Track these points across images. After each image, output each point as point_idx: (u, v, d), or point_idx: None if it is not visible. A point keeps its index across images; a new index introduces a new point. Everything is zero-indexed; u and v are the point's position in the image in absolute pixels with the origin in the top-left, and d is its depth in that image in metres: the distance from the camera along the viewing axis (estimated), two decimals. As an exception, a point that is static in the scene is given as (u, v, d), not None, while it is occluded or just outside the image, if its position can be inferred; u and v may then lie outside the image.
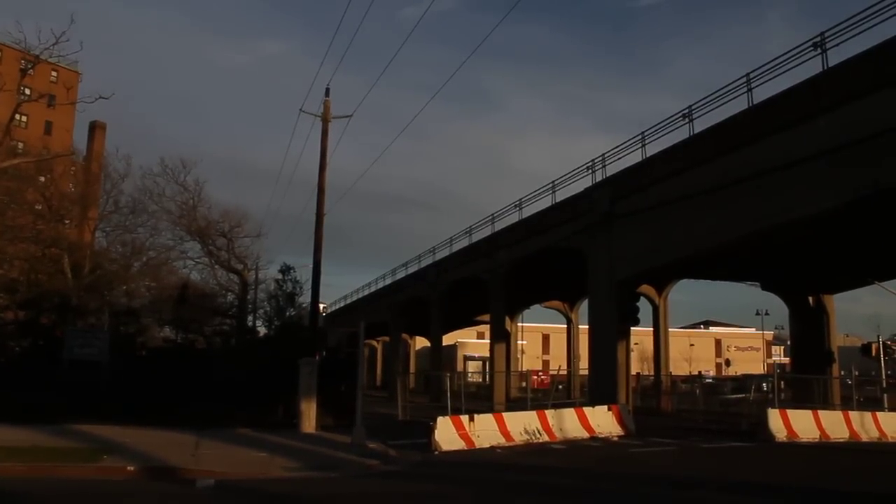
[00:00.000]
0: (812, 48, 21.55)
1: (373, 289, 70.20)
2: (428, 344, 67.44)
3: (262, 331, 46.50)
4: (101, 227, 43.56)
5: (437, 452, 18.82)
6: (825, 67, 21.25)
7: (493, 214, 42.23)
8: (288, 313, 39.82)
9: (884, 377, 29.96)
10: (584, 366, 38.16)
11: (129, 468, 14.35)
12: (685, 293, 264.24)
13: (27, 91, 32.47)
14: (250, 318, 50.80)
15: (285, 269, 38.39)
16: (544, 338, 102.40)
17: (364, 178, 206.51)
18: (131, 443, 17.38)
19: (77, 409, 21.93)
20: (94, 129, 73.69)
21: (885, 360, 30.02)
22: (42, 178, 39.70)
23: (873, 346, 30.69)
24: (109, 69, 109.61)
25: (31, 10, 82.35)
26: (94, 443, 17.16)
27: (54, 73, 64.25)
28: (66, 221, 41.71)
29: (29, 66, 25.48)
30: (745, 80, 24.16)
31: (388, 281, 64.77)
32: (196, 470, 14.37)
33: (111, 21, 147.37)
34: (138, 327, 36.68)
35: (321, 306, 79.17)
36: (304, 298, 40.25)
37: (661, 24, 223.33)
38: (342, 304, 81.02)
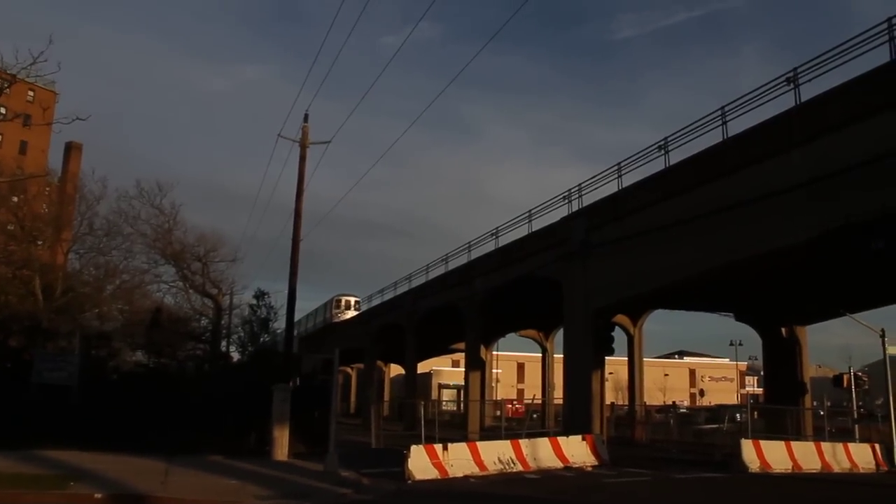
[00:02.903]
0: (785, 83, 21.89)
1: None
2: (403, 371, 67.07)
3: (235, 356, 46.27)
4: (75, 249, 43.13)
5: (410, 481, 18.69)
6: (798, 102, 21.59)
7: (469, 243, 42.38)
8: (262, 339, 39.58)
9: (855, 408, 30.16)
10: (558, 395, 38.10)
11: (96, 496, 14.09)
12: (660, 323, 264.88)
13: (2, 110, 32.23)
14: (224, 343, 50.46)
15: (260, 295, 38.28)
16: (519, 366, 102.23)
17: (342, 204, 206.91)
18: (100, 469, 17.08)
19: (44, 434, 21.53)
20: (70, 150, 73.28)
21: (856, 391, 30.19)
22: (15, 199, 39.27)
23: (845, 378, 30.85)
24: (88, 90, 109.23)
25: (9, 29, 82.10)
26: (61, 469, 16.86)
27: (31, 93, 63.91)
28: (39, 243, 41.24)
29: (5, 86, 25.23)
30: (720, 112, 24.46)
31: (364, 307, 64.59)
32: (165, 498, 14.15)
33: (90, 42, 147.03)
34: (110, 351, 36.25)
35: (352, 300, 71.72)
36: (279, 324, 40.04)
37: (638, 56, 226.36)
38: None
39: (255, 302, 39.06)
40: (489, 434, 34.05)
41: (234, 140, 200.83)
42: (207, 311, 50.76)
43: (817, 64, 20.96)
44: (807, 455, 24.11)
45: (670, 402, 71.23)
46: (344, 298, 71.67)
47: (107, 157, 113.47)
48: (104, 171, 77.11)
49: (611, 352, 31.90)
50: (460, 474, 19.94)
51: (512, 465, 21.53)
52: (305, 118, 27.18)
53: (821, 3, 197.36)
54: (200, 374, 36.35)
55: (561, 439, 23.97)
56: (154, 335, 39.92)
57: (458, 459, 20.42)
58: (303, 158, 26.67)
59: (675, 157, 26.85)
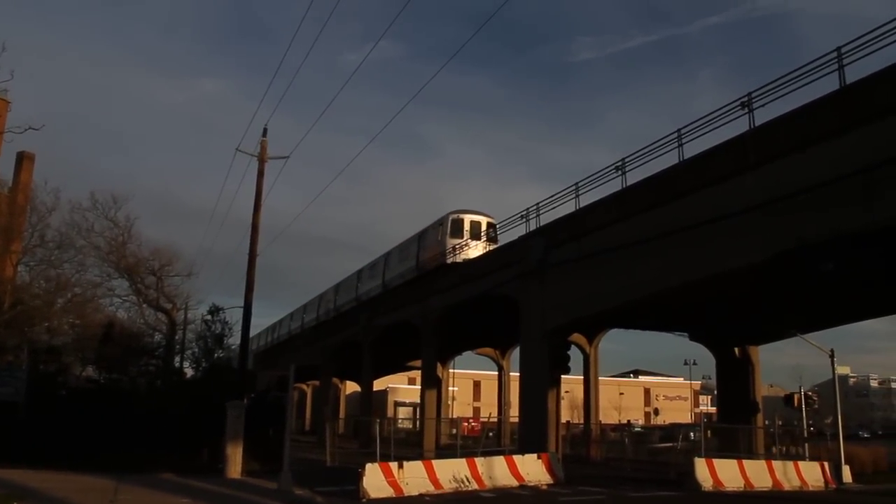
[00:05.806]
0: (740, 107, 22.27)
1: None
2: (358, 389, 66.70)
3: (189, 372, 45.51)
4: (25, 262, 42.14)
5: (365, 500, 18.54)
6: (752, 126, 21.98)
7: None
8: (216, 355, 39.04)
9: (805, 427, 30.63)
10: (514, 413, 38.17)
11: (42, 515, 13.77)
12: (615, 342, 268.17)
13: (-48, 120, 31.52)
14: (178, 358, 49.66)
15: (214, 310, 37.75)
16: (475, 385, 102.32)
17: (301, 220, 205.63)
18: (46, 488, 16.69)
19: (-11, 451, 21.03)
20: (23, 159, 71.49)
21: (806, 410, 30.68)
22: (-37, 209, 38.39)
23: (795, 397, 31.40)
24: (42, 100, 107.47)
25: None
26: (5, 488, 16.39)
27: (-19, 102, 62.54)
28: (-13, 255, 40.29)
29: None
30: (676, 135, 24.78)
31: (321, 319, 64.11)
32: (114, 517, 13.87)
33: (47, 52, 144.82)
34: (59, 366, 35.40)
35: (483, 220, 43.18)
36: (234, 340, 39.54)
37: (596, 78, 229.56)
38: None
39: (209, 317, 38.55)
40: (445, 452, 33.94)
41: (191, 153, 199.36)
42: (161, 326, 50.01)
43: (771, 89, 21.36)
44: (758, 473, 24.41)
45: (625, 421, 71.84)
46: (467, 218, 41.84)
47: (61, 168, 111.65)
48: (57, 183, 75.54)
49: (567, 370, 32.03)
50: (416, 493, 19.83)
51: (467, 483, 21.47)
52: (264, 132, 26.97)
53: (773, 31, 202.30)
54: (153, 391, 35.70)
55: (517, 458, 23.97)
56: (106, 350, 39.15)
57: (414, 478, 20.30)
58: (261, 173, 26.45)
59: (633, 178, 27.18)
